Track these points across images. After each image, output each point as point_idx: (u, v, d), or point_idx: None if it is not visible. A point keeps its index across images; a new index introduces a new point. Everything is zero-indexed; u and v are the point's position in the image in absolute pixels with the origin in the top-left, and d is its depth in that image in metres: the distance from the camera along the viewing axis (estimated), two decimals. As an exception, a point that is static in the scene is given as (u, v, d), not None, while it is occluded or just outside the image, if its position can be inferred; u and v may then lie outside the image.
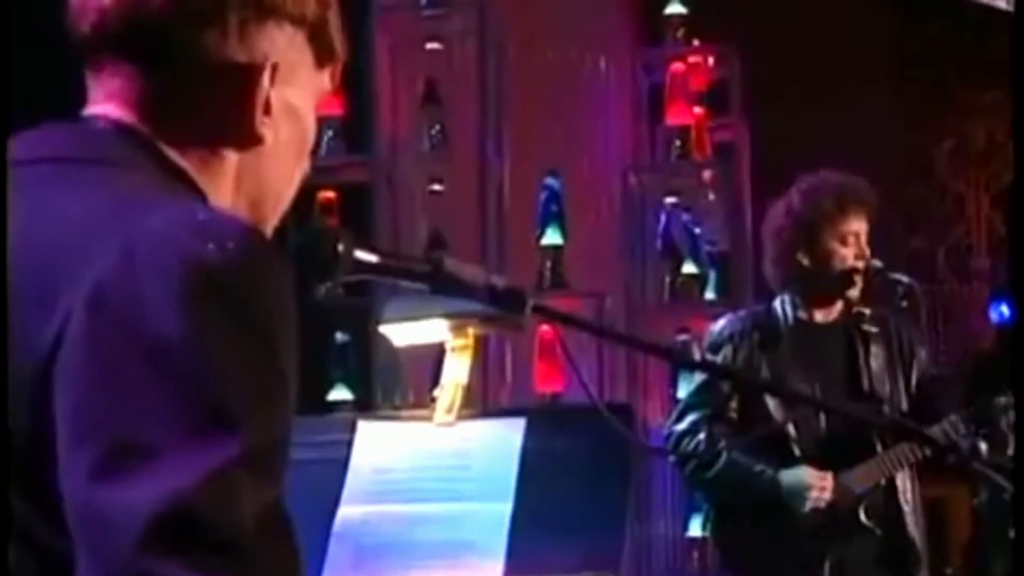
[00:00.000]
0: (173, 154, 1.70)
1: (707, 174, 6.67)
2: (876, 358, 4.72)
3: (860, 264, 4.68)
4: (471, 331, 2.99)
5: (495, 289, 2.37)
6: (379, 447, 2.89)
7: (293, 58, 1.77)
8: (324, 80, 1.84)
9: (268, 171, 1.78)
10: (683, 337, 6.32)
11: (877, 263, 4.71)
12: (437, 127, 6.19)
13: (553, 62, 6.51)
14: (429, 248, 6.13)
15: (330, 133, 6.12)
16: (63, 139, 1.70)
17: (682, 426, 4.74)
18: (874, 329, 4.74)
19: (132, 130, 1.70)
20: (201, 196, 1.70)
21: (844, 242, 4.68)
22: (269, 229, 1.81)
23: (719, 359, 4.76)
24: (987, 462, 3.42)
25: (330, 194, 6.13)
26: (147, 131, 1.70)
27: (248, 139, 1.73)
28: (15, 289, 1.56)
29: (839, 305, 4.76)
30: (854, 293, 4.73)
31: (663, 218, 6.55)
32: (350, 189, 6.19)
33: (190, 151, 1.71)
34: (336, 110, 6.09)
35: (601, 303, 6.24)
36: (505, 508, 2.73)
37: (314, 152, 5.42)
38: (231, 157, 1.74)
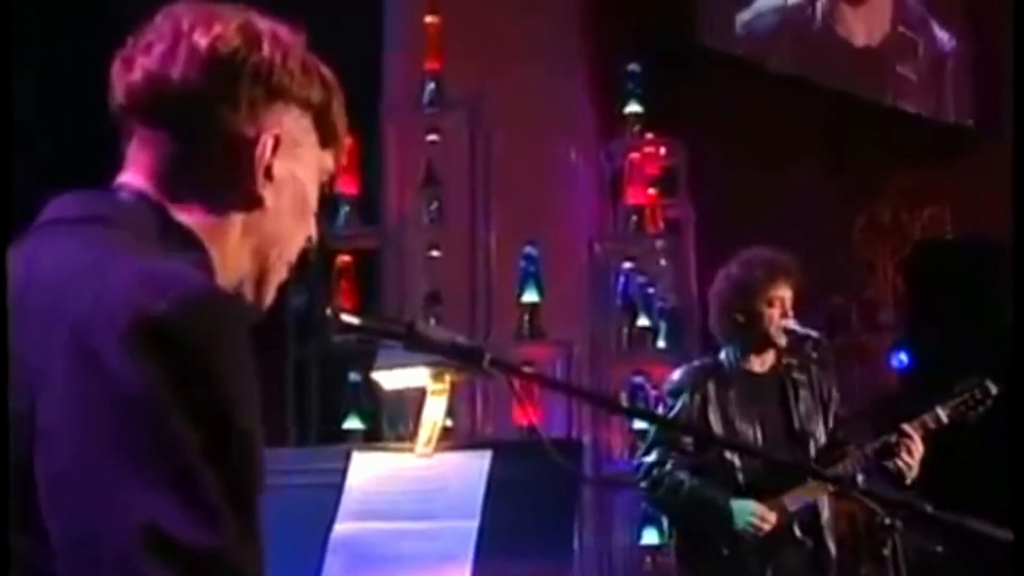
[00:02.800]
0: (182, 215, 1.64)
1: (659, 244, 6.68)
2: (804, 402, 4.76)
3: (785, 324, 4.73)
4: (448, 377, 2.98)
5: (458, 346, 2.39)
6: (369, 473, 2.86)
7: (298, 136, 1.71)
8: (328, 159, 1.78)
9: (270, 229, 1.70)
10: (638, 379, 6.27)
11: (789, 322, 4.72)
12: (435, 204, 6.21)
13: (532, 151, 6.50)
14: (427, 303, 6.12)
15: (347, 208, 6.15)
16: (85, 204, 1.63)
17: (651, 458, 4.73)
18: (802, 377, 4.78)
19: (146, 197, 1.64)
20: (203, 251, 1.64)
21: (771, 305, 4.72)
22: (275, 280, 1.74)
23: (679, 402, 4.78)
24: (863, 491, 3.47)
25: (347, 258, 6.10)
26: (160, 196, 1.64)
27: (250, 201, 1.67)
28: (16, 330, 1.49)
29: (772, 357, 4.78)
30: (781, 345, 4.75)
31: (622, 280, 6.53)
32: (363, 254, 6.18)
33: (199, 210, 1.65)
34: (352, 190, 6.15)
35: (570, 350, 6.25)
36: (473, 525, 2.72)
37: (333, 223, 5.39)
38: (236, 216, 1.68)
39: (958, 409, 4.71)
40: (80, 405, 1.42)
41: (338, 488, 2.81)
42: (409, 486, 2.82)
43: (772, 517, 4.58)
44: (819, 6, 8.09)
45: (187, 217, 1.65)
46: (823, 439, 4.74)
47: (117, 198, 1.64)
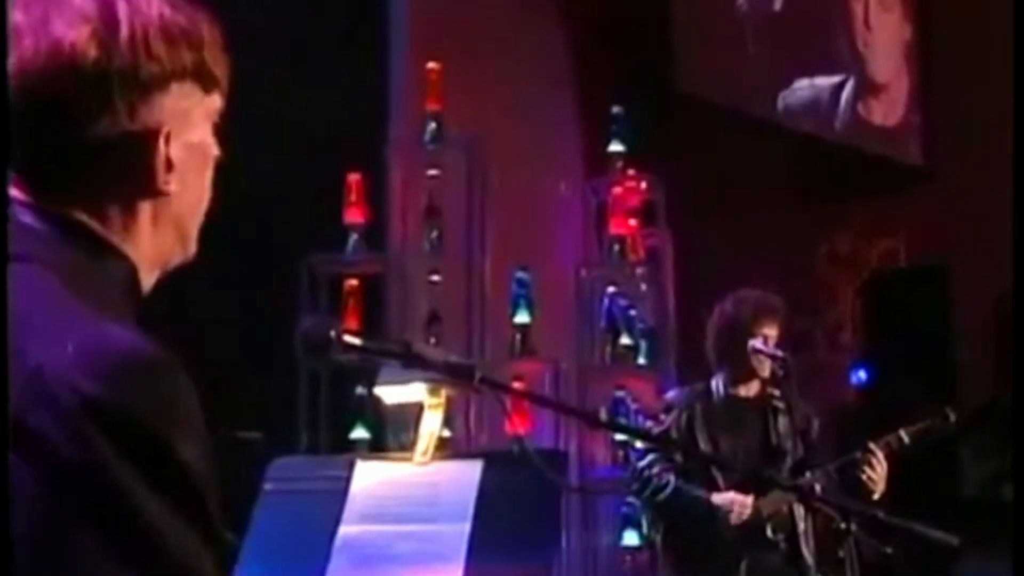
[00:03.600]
0: (93, 223, 1.46)
1: (640, 270, 6.67)
2: (782, 425, 4.81)
3: (766, 360, 4.81)
4: (443, 392, 2.96)
5: (451, 364, 2.39)
6: (372, 480, 2.83)
7: (184, 106, 1.52)
8: (215, 101, 1.57)
9: (180, 203, 1.54)
10: (620, 393, 6.27)
11: (757, 343, 4.76)
12: (436, 233, 6.17)
13: (524, 185, 6.50)
14: (428, 323, 6.11)
15: (355, 236, 6.10)
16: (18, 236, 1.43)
17: (644, 463, 4.81)
18: (781, 405, 4.84)
19: (50, 215, 1.45)
20: (126, 261, 1.49)
21: (758, 341, 4.79)
22: (193, 241, 1.58)
23: (670, 418, 4.87)
24: (820, 498, 3.50)
25: (354, 282, 6.05)
26: (63, 207, 1.45)
27: (155, 193, 1.49)
28: None
29: (756, 385, 4.85)
30: (764, 376, 4.84)
31: (606, 302, 6.52)
32: (369, 278, 6.12)
33: (106, 211, 1.47)
34: (359, 219, 6.10)
35: (558, 366, 6.25)
36: (465, 528, 2.70)
37: (342, 250, 5.33)
38: (145, 206, 1.50)
39: (919, 433, 4.74)
40: (28, 478, 1.30)
41: (342, 493, 2.78)
42: (408, 492, 2.80)
43: (748, 503, 4.64)
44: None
45: (95, 220, 1.47)
46: (798, 457, 4.77)
47: (25, 225, 1.44)
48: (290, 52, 5.94)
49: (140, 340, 1.37)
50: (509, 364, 6.05)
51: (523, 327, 6.13)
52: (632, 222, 6.61)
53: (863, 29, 8.18)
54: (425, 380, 2.85)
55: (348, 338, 2.21)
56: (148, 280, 1.54)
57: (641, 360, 6.54)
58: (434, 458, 2.82)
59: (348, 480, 2.80)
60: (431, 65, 6.18)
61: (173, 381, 1.38)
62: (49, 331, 1.34)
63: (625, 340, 6.45)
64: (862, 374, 7.36)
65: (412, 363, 2.34)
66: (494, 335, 6.15)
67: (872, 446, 4.64)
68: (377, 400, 5.89)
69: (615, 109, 6.66)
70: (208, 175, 1.58)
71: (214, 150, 1.58)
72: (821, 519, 4.66)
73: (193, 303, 5.56)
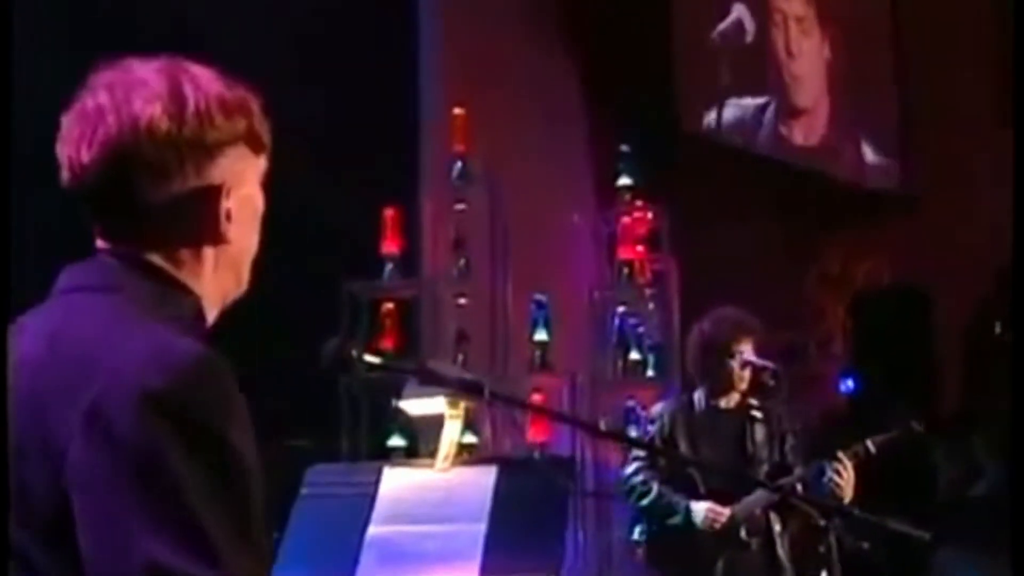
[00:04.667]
0: (167, 264, 1.57)
1: (647, 292, 6.61)
2: (759, 434, 4.72)
3: (746, 373, 4.72)
4: (462, 404, 2.94)
5: (462, 381, 2.38)
6: (398, 484, 2.82)
7: (239, 166, 1.61)
8: (262, 162, 1.67)
9: (236, 249, 1.63)
10: (631, 403, 6.23)
11: (750, 355, 4.68)
12: (463, 261, 6.12)
13: (542, 216, 6.48)
14: (457, 342, 6.07)
15: (390, 265, 6.03)
16: (89, 273, 1.57)
17: (630, 470, 4.75)
18: (759, 415, 4.74)
19: (138, 259, 1.56)
20: (194, 296, 1.59)
21: (734, 356, 4.70)
22: (246, 281, 1.68)
23: (656, 427, 4.79)
24: (800, 496, 3.45)
25: (390, 305, 6.01)
26: (147, 256, 1.57)
27: (217, 240, 1.60)
28: (39, 396, 1.45)
29: (736, 397, 4.75)
30: (742, 388, 4.74)
31: (617, 321, 6.48)
32: (404, 302, 6.08)
33: (178, 255, 1.58)
34: (394, 249, 6.04)
35: (574, 379, 6.20)
36: (482, 528, 2.69)
37: (379, 277, 5.28)
38: (209, 252, 1.60)
39: (885, 443, 4.62)
40: (98, 463, 1.39)
41: (372, 497, 2.78)
42: (430, 495, 2.79)
43: (724, 513, 4.56)
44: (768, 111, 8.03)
45: (168, 263, 1.58)
46: (774, 463, 4.69)
47: (111, 264, 1.57)
48: (333, 101, 5.94)
49: (199, 346, 1.47)
50: (529, 378, 6.01)
51: (542, 344, 6.07)
52: (639, 248, 6.56)
53: (785, 57, 8.09)
54: (445, 393, 2.85)
55: (367, 357, 2.22)
56: (212, 313, 1.64)
57: (650, 372, 6.48)
58: (454, 464, 2.80)
59: (377, 485, 2.80)
60: (457, 111, 6.17)
61: (226, 382, 1.46)
62: (123, 343, 1.45)
63: (634, 355, 6.40)
64: (850, 383, 7.31)
65: (426, 379, 2.32)
66: (516, 352, 6.11)
67: (840, 455, 4.51)
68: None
69: (623, 148, 6.62)
70: (257, 225, 1.68)
71: (261, 204, 1.68)
72: (798, 520, 4.59)
73: (253, 323, 5.58)
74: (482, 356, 6.00)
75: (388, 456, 5.47)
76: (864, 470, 4.56)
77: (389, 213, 6.02)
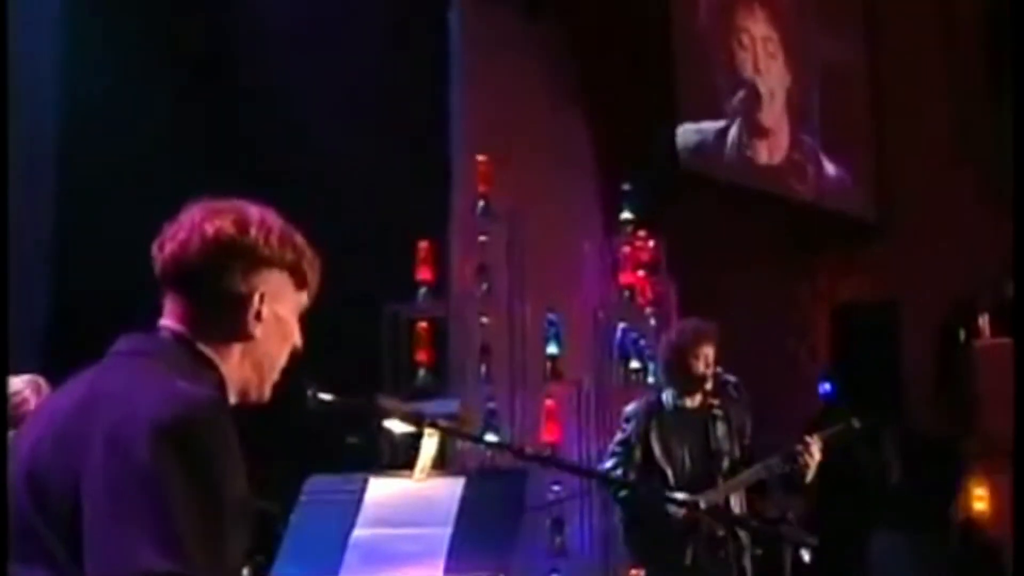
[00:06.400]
0: (206, 349, 1.70)
1: (647, 310, 6.63)
2: (720, 430, 4.68)
3: (708, 372, 4.68)
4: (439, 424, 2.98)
5: (404, 413, 2.43)
6: (381, 493, 2.87)
7: (279, 288, 1.75)
8: (303, 297, 1.80)
9: (262, 352, 1.74)
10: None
11: (718, 370, 4.68)
12: (485, 285, 6.19)
13: (554, 246, 6.53)
14: (481, 355, 6.11)
15: (423, 289, 6.11)
16: (139, 341, 1.71)
17: (609, 463, 4.76)
18: (720, 413, 4.70)
19: (180, 335, 1.70)
20: (218, 372, 1.70)
21: (697, 359, 4.67)
22: (270, 381, 1.78)
23: (630, 426, 4.75)
24: (707, 512, 3.37)
25: (424, 324, 6.10)
26: (188, 334, 1.70)
27: (245, 337, 1.72)
28: (74, 426, 1.56)
29: (699, 397, 4.73)
30: (706, 389, 4.70)
31: (619, 335, 6.50)
32: (436, 321, 6.16)
33: (213, 343, 1.71)
34: (428, 276, 6.12)
35: (581, 386, 6.23)
36: (447, 531, 2.74)
37: (414, 301, 5.32)
38: (237, 346, 1.72)
39: (830, 437, 4.61)
40: (112, 482, 1.49)
41: (357, 503, 2.82)
42: (407, 502, 2.82)
43: (691, 506, 4.48)
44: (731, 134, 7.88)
45: (205, 347, 1.71)
46: (736, 454, 4.66)
47: (160, 337, 1.71)
48: (376, 150, 6.04)
49: (205, 392, 1.61)
50: (543, 386, 6.07)
51: (553, 357, 6.15)
52: (640, 273, 6.59)
53: (754, 74, 7.93)
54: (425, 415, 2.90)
55: (323, 395, 2.25)
56: (232, 398, 1.74)
57: (651, 379, 6.49)
58: (428, 475, 2.79)
59: (363, 493, 2.84)
60: (480, 158, 6.26)
61: (224, 422, 1.57)
62: (146, 387, 1.58)
63: (635, 364, 6.43)
64: (827, 386, 7.27)
65: (375, 413, 2.37)
66: (531, 363, 6.17)
67: (807, 439, 4.52)
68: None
69: (625, 186, 6.67)
70: (284, 345, 1.78)
71: (292, 332, 1.78)
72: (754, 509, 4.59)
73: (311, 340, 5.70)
74: (501, 367, 6.07)
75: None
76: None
77: (423, 245, 6.13)
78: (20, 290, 4.83)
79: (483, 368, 6.03)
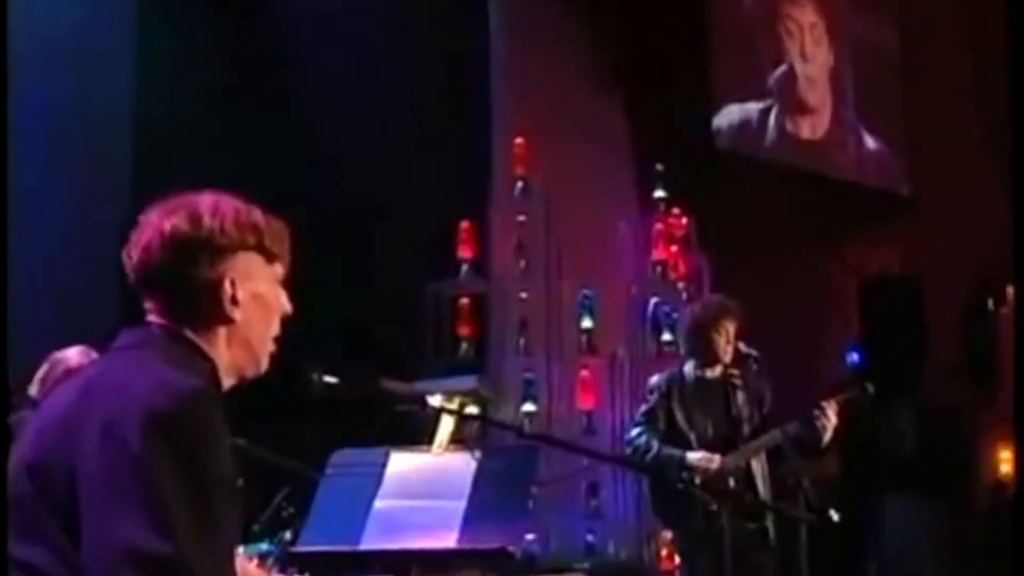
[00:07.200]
0: (193, 336, 1.70)
1: (680, 285, 6.63)
2: (740, 398, 4.70)
3: (728, 346, 4.71)
4: (457, 400, 3.05)
5: (409, 395, 2.45)
6: (402, 466, 2.93)
7: (250, 268, 1.73)
8: (278, 269, 1.78)
9: (247, 331, 1.73)
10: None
11: (740, 344, 4.71)
12: (523, 262, 6.27)
13: (589, 223, 6.55)
14: (519, 329, 6.19)
15: (465, 267, 6.21)
16: (134, 335, 1.72)
17: (635, 432, 4.80)
18: (739, 382, 4.72)
19: (167, 328, 1.71)
20: (209, 360, 1.70)
21: (719, 333, 4.70)
22: (265, 353, 1.77)
23: (655, 397, 4.79)
24: (701, 486, 3.40)
25: (465, 300, 6.20)
26: (175, 325, 1.70)
27: (225, 320, 1.71)
28: (74, 417, 1.57)
29: (719, 368, 4.75)
30: (726, 361, 4.73)
31: (652, 309, 6.52)
32: (477, 297, 6.26)
33: (199, 331, 1.71)
34: (469, 254, 6.22)
35: (614, 357, 6.27)
36: (462, 504, 2.79)
37: (456, 277, 5.37)
38: (221, 329, 1.72)
39: (843, 403, 4.60)
40: (106, 468, 1.50)
41: (379, 476, 2.88)
42: (425, 475, 2.88)
43: (716, 460, 4.56)
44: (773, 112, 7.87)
45: (193, 335, 1.70)
46: (755, 424, 4.67)
47: (151, 330, 1.71)
48: (420, 137, 6.13)
49: (197, 382, 1.61)
50: (578, 358, 6.14)
51: (588, 331, 6.22)
52: (673, 249, 6.60)
53: (800, 60, 7.89)
54: (442, 391, 2.97)
55: (327, 378, 2.27)
56: (227, 382, 1.74)
57: (682, 350, 6.51)
58: (446, 450, 2.90)
59: (384, 466, 2.91)
60: (518, 140, 6.32)
61: (215, 411, 1.57)
62: (141, 377, 1.59)
63: (667, 336, 6.44)
64: (855, 356, 7.24)
65: (379, 395, 2.39)
66: (567, 337, 6.24)
67: (823, 403, 4.52)
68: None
69: (658, 166, 6.68)
70: (270, 318, 1.76)
71: (276, 301, 1.77)
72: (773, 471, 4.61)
73: (352, 319, 5.83)
74: (539, 340, 6.14)
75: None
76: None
77: (464, 225, 6.22)
78: (95, 282, 5.01)
79: (521, 341, 6.12)
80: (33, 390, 3.98)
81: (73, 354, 3.97)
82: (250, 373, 1.76)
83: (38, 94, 5.27)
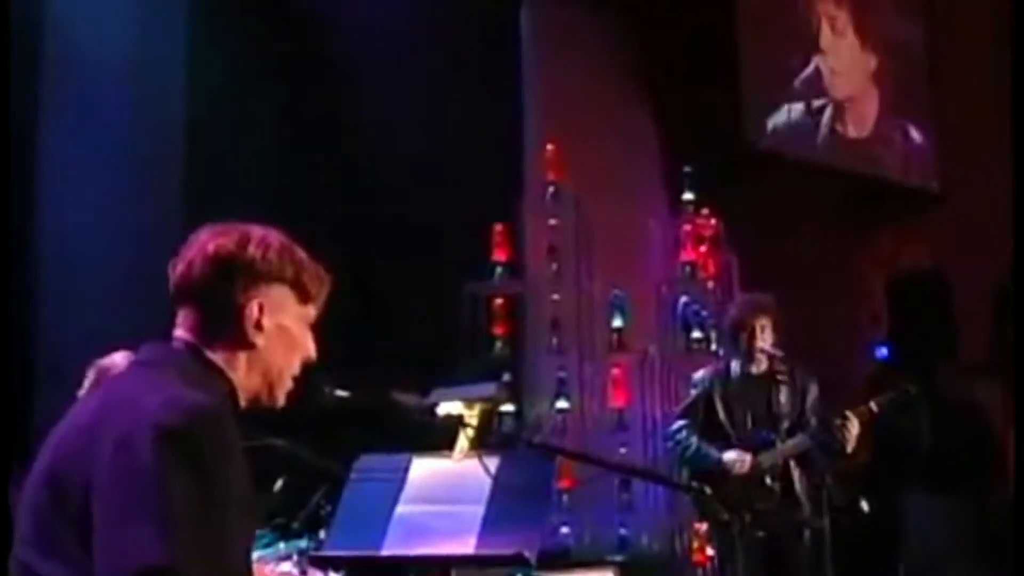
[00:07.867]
0: (215, 357, 1.71)
1: (709, 284, 6.57)
2: (783, 395, 4.74)
3: (766, 343, 4.72)
4: (477, 407, 3.04)
5: (417, 406, 2.44)
6: (423, 472, 2.93)
7: (281, 301, 1.73)
8: (309, 311, 1.77)
9: (267, 361, 1.73)
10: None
11: (765, 345, 4.68)
12: (555, 265, 6.27)
13: (620, 225, 6.52)
14: (551, 328, 6.18)
15: (499, 269, 6.22)
16: (155, 351, 1.74)
17: (675, 427, 4.88)
18: (784, 378, 4.75)
19: (190, 345, 1.71)
20: (227, 379, 1.71)
21: (755, 331, 4.73)
22: (282, 388, 1.76)
23: (696, 391, 4.85)
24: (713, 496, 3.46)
25: (500, 301, 6.22)
26: (198, 343, 1.71)
27: (247, 345, 1.72)
28: (89, 430, 1.57)
29: (765, 364, 4.76)
30: (768, 354, 4.72)
31: (681, 308, 6.49)
32: (511, 298, 6.27)
33: (220, 352, 1.71)
34: (504, 256, 6.23)
35: (644, 356, 6.25)
36: (481, 509, 2.78)
37: (492, 278, 5.41)
38: (242, 354, 1.72)
39: (885, 403, 4.61)
40: (117, 481, 1.51)
41: (402, 481, 2.89)
42: (445, 480, 2.87)
43: (748, 460, 4.61)
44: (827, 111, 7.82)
45: (213, 355, 1.71)
46: (795, 419, 4.68)
47: (173, 347, 1.72)
48: (456, 143, 6.15)
49: (208, 398, 1.60)
50: (609, 356, 6.13)
51: (619, 330, 6.20)
52: (701, 249, 6.54)
53: (832, 56, 7.75)
54: (461, 399, 2.96)
55: (339, 392, 2.27)
56: (243, 403, 1.74)
57: (713, 347, 6.48)
58: (466, 456, 2.86)
59: (406, 471, 2.92)
60: (550, 147, 6.32)
61: (226, 426, 1.58)
62: (155, 393, 1.59)
63: (696, 334, 6.40)
64: (884, 350, 7.16)
65: (386, 407, 2.39)
66: (598, 336, 6.23)
67: (848, 413, 4.52)
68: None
69: (686, 169, 6.62)
70: (291, 355, 1.76)
71: (300, 341, 1.76)
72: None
73: (394, 319, 5.88)
74: (570, 340, 6.14)
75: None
76: (869, 426, 4.56)
77: (499, 228, 6.24)
78: (153, 282, 5.03)
79: (554, 340, 6.13)
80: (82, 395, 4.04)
81: (120, 359, 4.01)
82: (264, 402, 1.76)
83: (94, 102, 5.35)
